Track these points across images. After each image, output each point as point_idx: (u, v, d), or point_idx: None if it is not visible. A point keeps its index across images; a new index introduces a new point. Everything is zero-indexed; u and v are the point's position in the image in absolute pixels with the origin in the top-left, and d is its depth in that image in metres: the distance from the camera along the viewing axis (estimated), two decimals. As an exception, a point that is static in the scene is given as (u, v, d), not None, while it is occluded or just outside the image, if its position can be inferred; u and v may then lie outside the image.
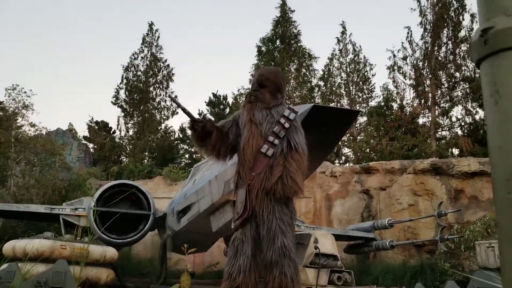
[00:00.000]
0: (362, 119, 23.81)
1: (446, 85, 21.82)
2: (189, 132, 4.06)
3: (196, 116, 3.98)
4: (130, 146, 26.57)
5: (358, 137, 23.67)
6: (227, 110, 27.34)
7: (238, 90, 25.67)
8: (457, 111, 22.48)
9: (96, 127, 28.34)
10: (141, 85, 26.58)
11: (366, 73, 25.23)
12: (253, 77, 4.34)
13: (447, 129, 22.18)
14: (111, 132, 28.47)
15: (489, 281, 4.16)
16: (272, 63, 24.24)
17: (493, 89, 1.08)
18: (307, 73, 25.86)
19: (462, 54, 21.19)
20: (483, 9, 1.10)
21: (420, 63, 21.91)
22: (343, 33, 25.70)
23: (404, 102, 22.75)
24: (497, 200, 1.12)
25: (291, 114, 3.93)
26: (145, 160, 25.27)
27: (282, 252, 3.64)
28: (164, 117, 27.26)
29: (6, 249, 7.16)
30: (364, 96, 25.11)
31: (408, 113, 22.05)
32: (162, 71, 27.61)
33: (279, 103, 4.07)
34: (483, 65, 1.10)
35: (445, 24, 21.32)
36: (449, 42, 21.40)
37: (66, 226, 9.86)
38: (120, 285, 9.30)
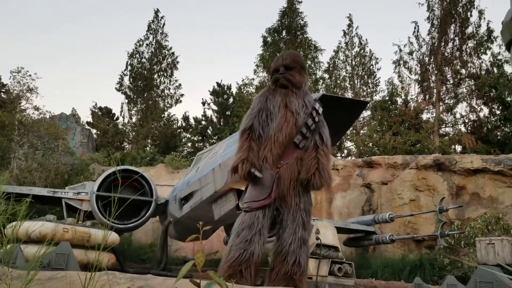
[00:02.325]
0: (366, 113, 23.77)
1: (451, 82, 21.72)
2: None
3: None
4: (133, 133, 26.59)
5: (361, 131, 23.62)
6: (231, 99, 27.27)
7: (243, 80, 25.62)
8: (461, 108, 22.40)
9: (100, 113, 28.34)
10: (145, 72, 26.54)
11: (371, 67, 25.17)
12: (276, 62, 4.27)
13: (451, 125, 22.14)
14: (115, 119, 28.48)
15: (491, 276, 4.17)
16: (278, 54, 24.09)
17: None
18: (312, 65, 25.76)
19: (468, 51, 21.08)
20: (515, -12, 1.06)
21: (426, 59, 21.82)
22: (349, 26, 25.60)
23: (409, 97, 22.74)
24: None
25: (320, 108, 4.00)
26: (148, 147, 25.30)
27: (301, 243, 3.70)
28: (168, 105, 27.27)
29: (8, 230, 7.18)
30: (368, 90, 25.06)
31: (412, 109, 21.99)
32: (167, 58, 27.55)
33: (306, 85, 4.17)
34: (515, 45, 1.06)
35: (453, 20, 21.19)
36: (456, 38, 21.27)
37: (68, 210, 9.89)
38: (121, 269, 9.35)
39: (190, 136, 28.21)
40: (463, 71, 21.34)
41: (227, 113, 26.92)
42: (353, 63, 25.17)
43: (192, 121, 28.29)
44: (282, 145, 3.80)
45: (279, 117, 3.88)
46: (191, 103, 76.93)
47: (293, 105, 3.92)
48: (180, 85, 27.55)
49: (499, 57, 20.26)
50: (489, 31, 20.42)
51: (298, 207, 3.75)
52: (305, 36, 25.81)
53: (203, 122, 27.85)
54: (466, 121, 21.58)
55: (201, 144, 26.70)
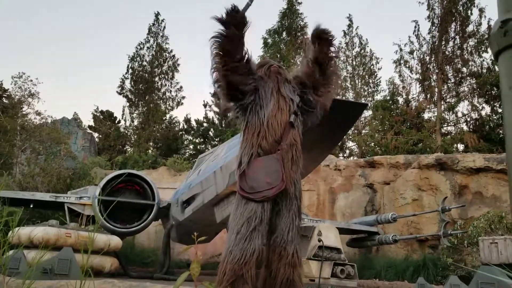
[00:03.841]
0: (367, 113, 23.73)
1: (452, 80, 21.68)
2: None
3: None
4: (135, 136, 26.60)
5: (363, 131, 23.58)
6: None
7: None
8: (463, 107, 22.34)
9: (101, 116, 28.35)
10: (146, 75, 26.60)
11: (372, 67, 25.15)
12: (267, 61, 4.27)
13: (453, 124, 22.07)
14: (116, 122, 28.47)
15: (492, 277, 4.15)
16: (278, 55, 24.14)
17: (513, 82, 1.05)
18: (313, 66, 25.69)
19: (469, 49, 21.04)
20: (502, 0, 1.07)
21: (427, 58, 21.78)
22: (349, 26, 25.59)
23: (410, 97, 22.65)
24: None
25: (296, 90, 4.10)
26: (150, 150, 25.32)
27: (297, 232, 3.64)
28: (169, 107, 27.31)
29: (11, 236, 7.18)
30: (369, 90, 25.05)
31: (413, 108, 21.93)
32: (168, 61, 27.60)
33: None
34: (502, 56, 1.07)
35: (453, 19, 21.15)
36: (457, 37, 21.24)
37: (71, 215, 9.91)
38: (124, 273, 9.36)
39: (192, 138, 28.17)
40: (464, 69, 21.30)
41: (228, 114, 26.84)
42: (354, 63, 25.16)
43: (193, 123, 28.26)
44: (277, 132, 3.69)
45: (272, 103, 3.79)
46: (192, 105, 76.85)
47: (286, 90, 3.88)
48: (181, 87, 27.63)
49: (500, 55, 20.20)
50: (490, 29, 20.31)
51: (294, 195, 3.67)
52: (305, 37, 25.81)
53: (205, 124, 27.81)
54: (468, 119, 21.53)
55: (203, 146, 26.67)
